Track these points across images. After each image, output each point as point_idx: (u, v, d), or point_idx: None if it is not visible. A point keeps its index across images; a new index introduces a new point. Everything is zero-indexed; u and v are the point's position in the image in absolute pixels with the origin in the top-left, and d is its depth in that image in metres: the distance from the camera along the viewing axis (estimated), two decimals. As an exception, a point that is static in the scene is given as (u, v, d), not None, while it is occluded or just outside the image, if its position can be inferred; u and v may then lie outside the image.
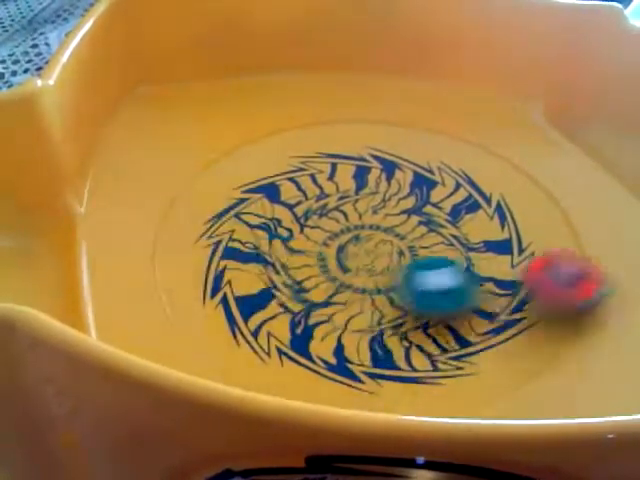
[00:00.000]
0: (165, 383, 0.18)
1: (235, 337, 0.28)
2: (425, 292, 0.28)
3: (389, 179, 0.35)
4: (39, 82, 0.29)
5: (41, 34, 0.50)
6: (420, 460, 0.18)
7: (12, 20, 0.52)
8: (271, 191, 0.34)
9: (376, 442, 0.18)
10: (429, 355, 0.27)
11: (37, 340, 0.19)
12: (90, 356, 0.18)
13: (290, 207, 0.33)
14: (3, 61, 0.47)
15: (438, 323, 0.28)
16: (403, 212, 0.33)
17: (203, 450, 0.19)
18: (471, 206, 0.33)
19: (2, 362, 0.20)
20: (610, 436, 0.17)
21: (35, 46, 0.49)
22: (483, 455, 0.18)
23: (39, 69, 0.46)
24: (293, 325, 0.28)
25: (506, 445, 0.18)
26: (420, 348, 0.28)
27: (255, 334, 0.28)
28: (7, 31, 0.50)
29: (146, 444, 0.20)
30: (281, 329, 0.28)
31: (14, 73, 0.46)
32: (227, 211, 0.33)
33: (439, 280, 0.28)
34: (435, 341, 0.28)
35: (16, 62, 0.47)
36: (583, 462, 0.18)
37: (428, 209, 0.33)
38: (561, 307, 0.28)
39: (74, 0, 0.55)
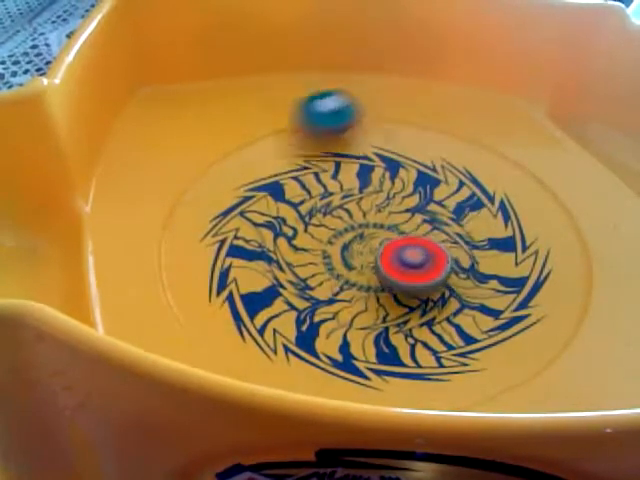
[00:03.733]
0: (177, 378, 0.18)
1: (241, 334, 0.28)
2: (316, 113, 0.35)
3: (393, 178, 0.35)
4: (45, 81, 0.29)
5: (41, 35, 0.50)
6: (429, 453, 0.18)
7: (12, 21, 0.52)
8: (275, 189, 0.34)
9: (386, 436, 0.18)
10: (434, 352, 0.28)
11: (46, 334, 0.19)
12: (100, 350, 0.19)
13: (294, 205, 0.33)
14: (3, 62, 0.47)
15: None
16: (407, 210, 0.33)
17: (213, 445, 0.19)
18: (475, 204, 0.34)
19: (11, 356, 0.20)
20: (609, 430, 0.17)
21: (35, 47, 0.49)
22: (489, 448, 0.18)
23: (39, 70, 0.46)
24: (299, 322, 0.28)
25: (512, 438, 0.18)
26: (425, 345, 0.28)
27: (261, 331, 0.28)
28: (7, 32, 0.50)
29: (155, 440, 0.20)
30: (287, 326, 0.28)
31: (14, 74, 0.46)
32: (232, 209, 0.33)
33: (326, 104, 0.35)
34: (440, 338, 0.28)
35: (16, 63, 0.47)
36: (587, 456, 0.18)
37: (432, 207, 0.33)
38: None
39: (74, 1, 0.55)
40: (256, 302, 0.29)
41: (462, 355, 0.27)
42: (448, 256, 0.29)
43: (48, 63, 0.46)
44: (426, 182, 0.35)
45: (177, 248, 0.31)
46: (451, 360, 0.27)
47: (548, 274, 0.31)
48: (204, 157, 0.35)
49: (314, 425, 0.18)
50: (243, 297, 0.29)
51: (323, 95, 0.36)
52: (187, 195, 0.33)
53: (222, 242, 0.31)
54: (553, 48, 0.38)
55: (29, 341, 0.19)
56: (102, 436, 0.21)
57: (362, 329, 0.28)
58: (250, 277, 0.30)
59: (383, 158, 0.36)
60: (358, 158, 0.36)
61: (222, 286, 0.29)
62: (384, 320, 0.29)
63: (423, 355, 0.27)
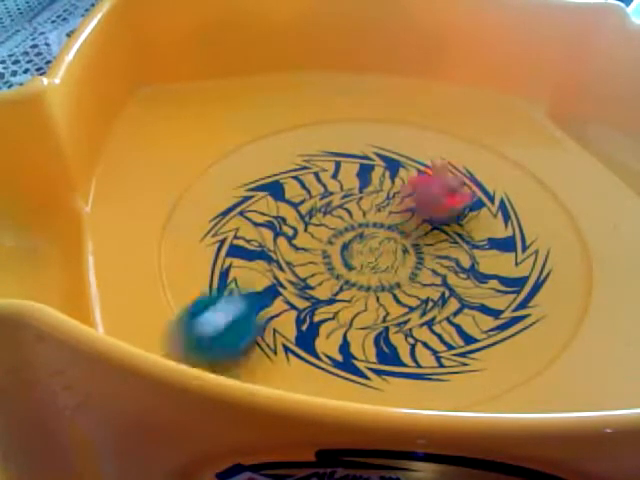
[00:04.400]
0: (176, 378, 0.18)
1: (241, 334, 0.28)
2: (202, 338, 0.25)
3: (393, 177, 0.35)
4: (45, 81, 0.29)
5: (41, 34, 0.50)
6: (429, 453, 0.18)
7: (12, 20, 0.52)
8: (275, 189, 0.34)
9: (386, 436, 0.18)
10: (434, 351, 0.28)
11: (46, 334, 0.19)
12: (100, 351, 0.19)
13: (294, 205, 0.33)
14: (3, 61, 0.47)
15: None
16: (407, 210, 0.33)
17: (213, 445, 0.19)
18: (475, 204, 0.34)
19: (11, 356, 0.20)
20: (609, 430, 0.17)
21: (35, 46, 0.49)
22: (489, 448, 0.18)
23: (39, 69, 0.46)
24: (299, 322, 0.28)
25: (512, 438, 0.18)
26: (425, 345, 0.28)
27: (261, 332, 0.28)
28: (7, 31, 0.50)
29: (156, 440, 0.20)
30: (287, 326, 0.28)
31: (14, 73, 0.46)
32: (232, 209, 0.33)
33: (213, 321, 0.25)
34: (440, 338, 0.28)
35: (16, 62, 0.47)
36: (587, 456, 0.18)
37: (432, 207, 0.33)
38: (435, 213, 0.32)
39: (74, 0, 0.54)
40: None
41: (462, 355, 0.27)
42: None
43: (48, 62, 0.46)
44: (426, 182, 0.35)
45: (177, 248, 0.31)
46: (451, 360, 0.27)
47: (548, 274, 0.31)
48: (204, 157, 0.35)
49: (314, 425, 0.18)
50: (243, 297, 0.29)
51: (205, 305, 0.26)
52: (187, 195, 0.33)
53: (222, 242, 0.31)
54: (553, 48, 0.38)
55: (29, 341, 0.19)
56: (102, 436, 0.21)
57: (362, 329, 0.28)
58: (250, 277, 0.30)
59: (383, 158, 0.36)
60: (358, 158, 0.36)
61: (222, 286, 0.29)
62: (384, 320, 0.29)
63: (423, 355, 0.27)
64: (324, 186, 0.34)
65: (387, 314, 0.29)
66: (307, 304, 0.29)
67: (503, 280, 0.30)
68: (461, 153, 0.36)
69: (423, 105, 0.38)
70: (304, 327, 0.28)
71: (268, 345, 0.27)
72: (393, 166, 0.35)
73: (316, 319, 0.28)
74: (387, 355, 0.27)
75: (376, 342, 0.28)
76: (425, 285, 0.30)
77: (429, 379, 0.27)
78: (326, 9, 0.39)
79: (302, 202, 0.33)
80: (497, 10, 0.38)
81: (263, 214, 0.33)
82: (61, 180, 0.31)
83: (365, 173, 0.35)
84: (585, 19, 0.37)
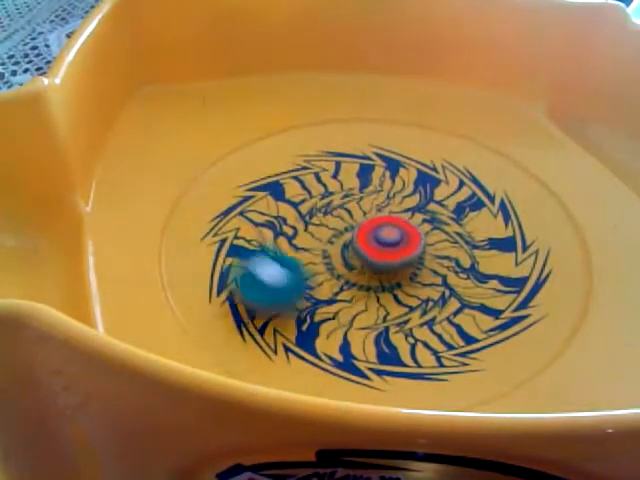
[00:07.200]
0: (177, 378, 0.18)
1: (242, 334, 0.28)
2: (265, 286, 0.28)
3: (393, 177, 0.35)
4: (45, 81, 0.29)
5: (40, 34, 0.50)
6: (429, 453, 0.18)
7: (11, 20, 0.52)
8: (276, 189, 0.34)
9: (386, 436, 0.18)
10: (434, 351, 0.28)
11: (46, 334, 0.19)
12: (100, 351, 0.19)
13: (295, 205, 0.33)
14: (3, 63, 0.47)
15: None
16: (407, 210, 0.33)
17: (213, 445, 0.19)
18: (475, 204, 0.34)
19: (12, 357, 0.20)
20: (609, 430, 0.17)
21: (35, 47, 0.49)
22: (489, 448, 0.18)
23: (39, 69, 0.46)
24: (299, 322, 0.28)
25: (512, 438, 0.18)
26: (425, 344, 0.28)
27: (261, 331, 0.28)
28: (5, 31, 0.50)
29: (156, 440, 0.20)
30: (287, 326, 0.28)
31: (14, 73, 0.46)
32: (232, 209, 0.33)
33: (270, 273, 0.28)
34: (440, 338, 0.28)
35: (16, 63, 0.47)
36: (587, 456, 0.18)
37: (432, 207, 0.33)
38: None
39: (74, 0, 0.55)
40: (256, 302, 0.29)
41: (462, 355, 0.27)
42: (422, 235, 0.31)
43: (48, 63, 0.46)
44: (426, 182, 0.35)
45: (177, 248, 0.31)
46: (451, 360, 0.27)
47: (548, 274, 0.31)
48: (204, 157, 0.35)
49: (314, 425, 0.18)
50: (243, 297, 0.29)
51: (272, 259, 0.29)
52: (187, 195, 0.33)
53: (222, 242, 0.31)
54: (553, 48, 0.38)
55: (29, 341, 0.19)
56: (102, 436, 0.21)
57: (362, 329, 0.28)
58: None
59: (383, 157, 0.36)
60: (358, 158, 0.36)
61: (222, 286, 0.29)
62: (384, 320, 0.29)
63: (423, 355, 0.27)
64: (324, 186, 0.34)
65: (387, 314, 0.29)
66: (307, 304, 0.29)
67: (503, 280, 0.30)
68: (461, 153, 0.36)
69: (423, 105, 0.38)
70: (304, 327, 0.28)
71: (268, 345, 0.27)
72: (393, 166, 0.35)
73: (316, 319, 0.28)
74: (387, 355, 0.27)
75: (376, 342, 0.28)
76: (425, 285, 0.30)
77: (429, 379, 0.27)
78: (326, 9, 0.39)
79: (302, 202, 0.33)
80: (497, 10, 0.38)
81: (263, 214, 0.33)
82: (61, 180, 0.31)
83: (365, 173, 0.35)
84: (585, 19, 0.37)
